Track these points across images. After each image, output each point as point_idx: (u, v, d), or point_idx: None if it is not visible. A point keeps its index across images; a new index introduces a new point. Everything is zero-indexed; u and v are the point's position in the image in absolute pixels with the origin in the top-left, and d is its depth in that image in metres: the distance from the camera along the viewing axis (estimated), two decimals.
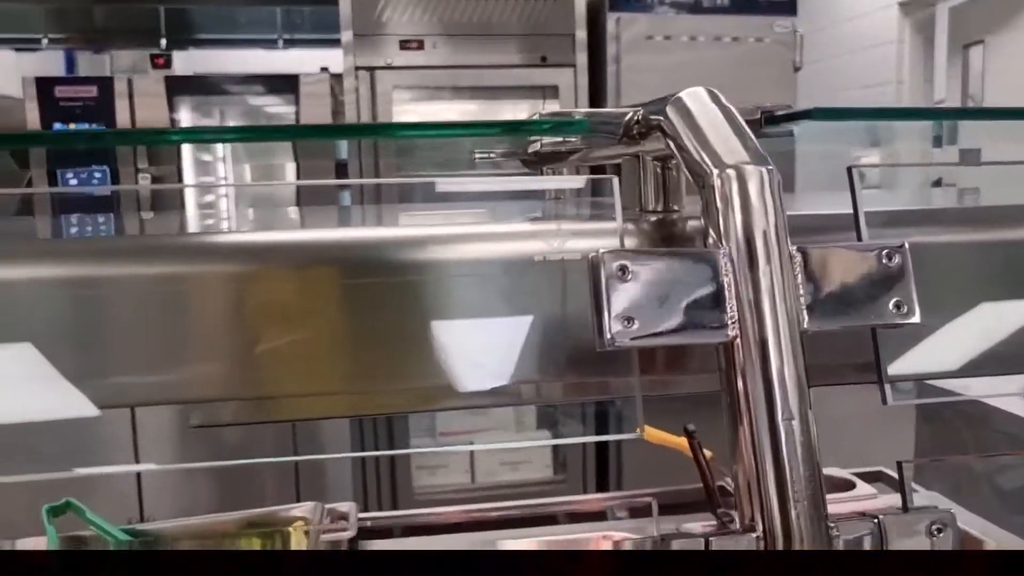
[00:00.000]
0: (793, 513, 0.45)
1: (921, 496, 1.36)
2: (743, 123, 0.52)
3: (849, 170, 0.52)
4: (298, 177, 3.01)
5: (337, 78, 3.01)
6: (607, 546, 0.44)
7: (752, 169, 0.48)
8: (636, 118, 0.59)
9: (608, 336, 0.47)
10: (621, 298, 0.47)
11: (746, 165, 0.49)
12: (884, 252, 0.50)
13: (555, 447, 2.94)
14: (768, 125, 0.59)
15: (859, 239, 0.52)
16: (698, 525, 1.07)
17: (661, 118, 0.55)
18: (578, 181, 0.69)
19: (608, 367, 0.56)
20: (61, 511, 1.15)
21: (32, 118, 2.79)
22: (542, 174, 0.92)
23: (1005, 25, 3.24)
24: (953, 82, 3.36)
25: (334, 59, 3.03)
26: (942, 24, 3.35)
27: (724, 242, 0.48)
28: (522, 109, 3.14)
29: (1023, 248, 0.63)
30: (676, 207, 0.62)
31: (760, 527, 0.46)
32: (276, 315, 0.54)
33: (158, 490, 2.79)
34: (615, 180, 0.52)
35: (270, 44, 3.98)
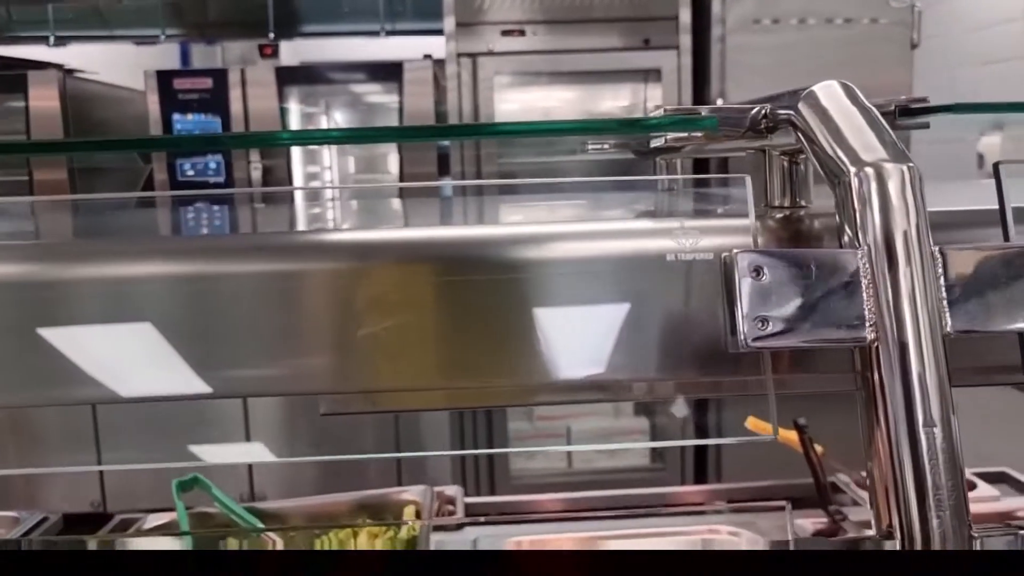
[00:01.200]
0: (935, 522, 0.44)
1: None
2: (880, 118, 0.50)
3: (995, 166, 0.50)
4: (401, 164, 3.07)
5: (439, 65, 3.05)
6: (739, 544, 0.44)
7: (892, 167, 0.47)
8: (764, 112, 0.58)
9: (742, 337, 0.46)
10: (755, 299, 0.47)
11: (885, 163, 0.47)
12: None
13: (652, 435, 2.92)
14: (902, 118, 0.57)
15: (1006, 238, 0.50)
16: (808, 521, 1.04)
17: (792, 112, 0.54)
18: (709, 180, 0.68)
19: (728, 367, 0.55)
20: (189, 486, 1.22)
21: (153, 110, 2.93)
22: (654, 165, 0.92)
23: None
24: None
25: (436, 46, 3.06)
26: None
27: (861, 242, 0.47)
28: (624, 93, 3.10)
29: None
30: (803, 202, 0.61)
31: (899, 535, 0.44)
32: (379, 310, 0.55)
33: (266, 468, 2.91)
34: (748, 179, 0.51)
35: (372, 33, 4.06)
